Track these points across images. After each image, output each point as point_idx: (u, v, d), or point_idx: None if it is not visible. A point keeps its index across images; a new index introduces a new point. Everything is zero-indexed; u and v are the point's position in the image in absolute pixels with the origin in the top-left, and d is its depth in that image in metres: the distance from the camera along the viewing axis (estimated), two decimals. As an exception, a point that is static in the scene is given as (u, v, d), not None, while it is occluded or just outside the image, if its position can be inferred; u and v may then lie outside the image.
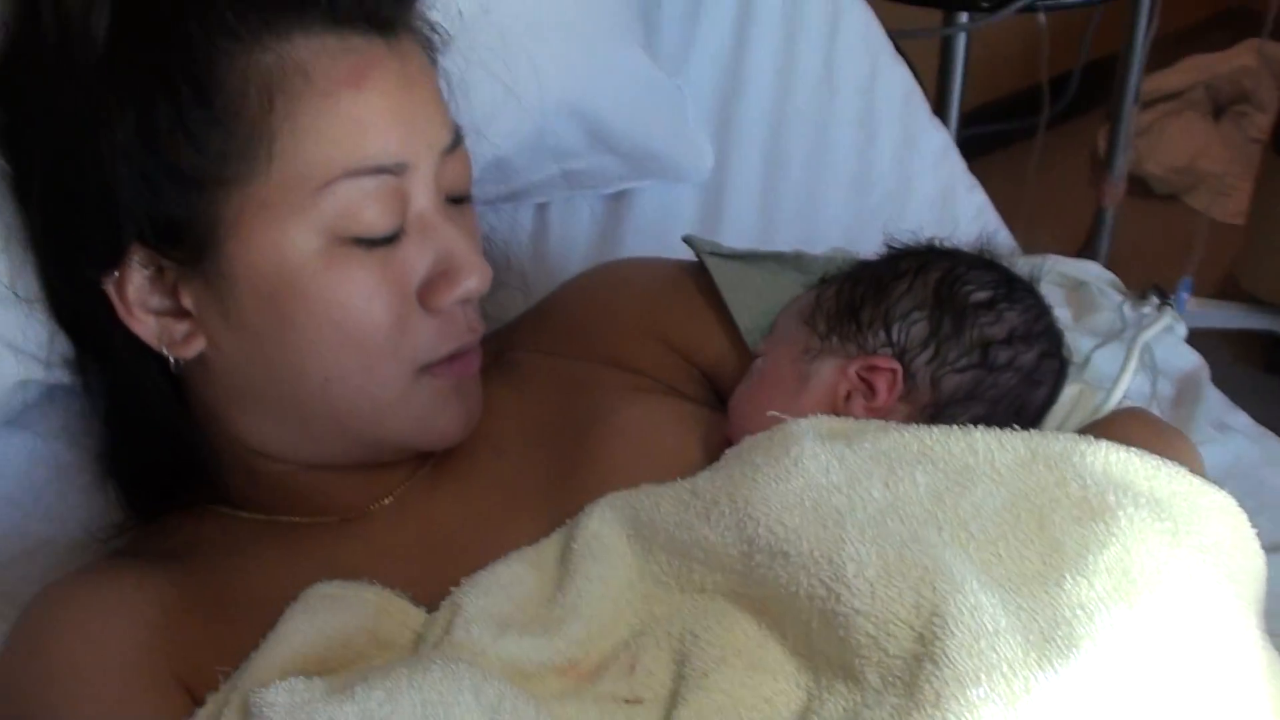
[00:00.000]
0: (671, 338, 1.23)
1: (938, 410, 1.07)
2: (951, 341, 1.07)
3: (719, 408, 1.20)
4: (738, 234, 1.54)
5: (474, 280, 1.04)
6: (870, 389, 1.07)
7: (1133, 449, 0.96)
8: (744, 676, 0.93)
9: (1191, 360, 1.62)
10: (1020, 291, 1.12)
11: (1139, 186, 3.27)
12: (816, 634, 0.91)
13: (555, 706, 0.91)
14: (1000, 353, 1.08)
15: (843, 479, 0.95)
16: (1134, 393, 1.42)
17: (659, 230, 1.51)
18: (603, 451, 1.09)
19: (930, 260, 1.12)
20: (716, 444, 1.10)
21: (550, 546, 1.03)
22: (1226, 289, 2.94)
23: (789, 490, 0.95)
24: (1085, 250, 2.72)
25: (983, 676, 0.82)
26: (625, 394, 1.15)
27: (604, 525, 1.01)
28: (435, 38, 1.11)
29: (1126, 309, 1.55)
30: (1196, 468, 1.07)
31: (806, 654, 0.92)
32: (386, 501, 1.11)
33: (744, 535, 0.95)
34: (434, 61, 1.10)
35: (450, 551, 1.06)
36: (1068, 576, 0.87)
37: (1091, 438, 0.97)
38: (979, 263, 1.13)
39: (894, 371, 1.07)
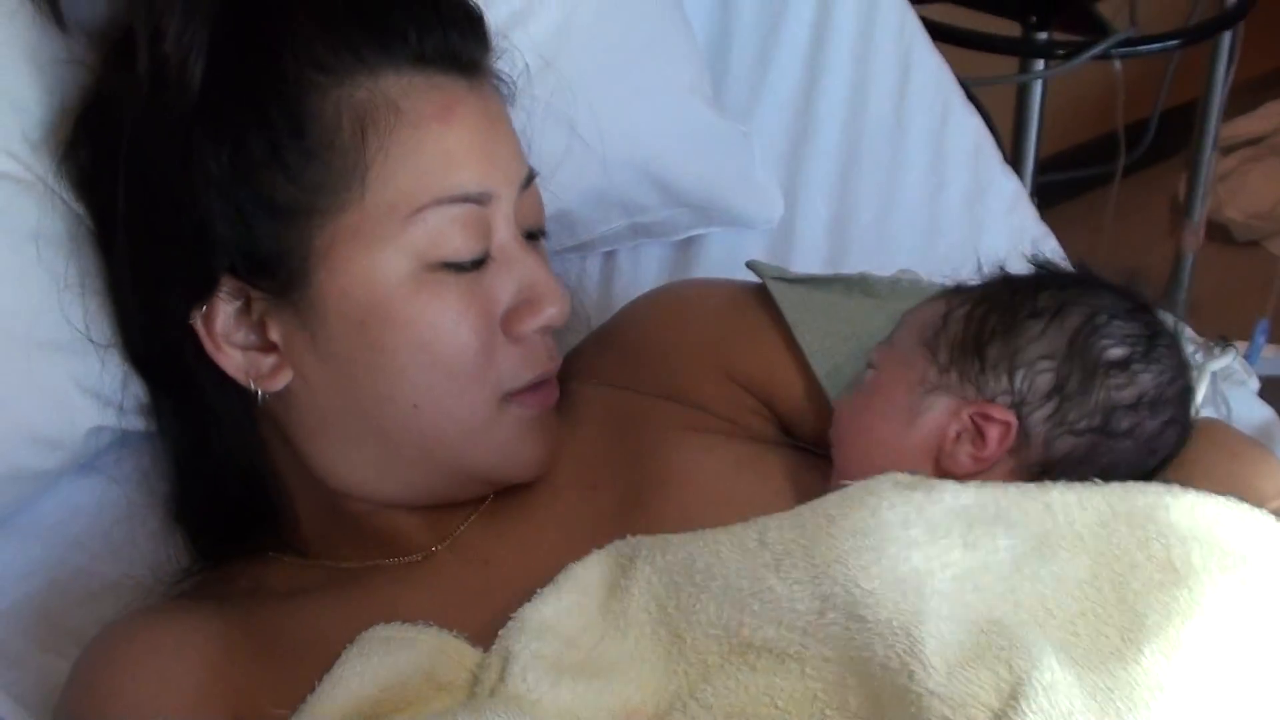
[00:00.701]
0: (735, 368, 1.21)
1: (1045, 470, 1.02)
2: (1075, 401, 1.03)
3: (783, 442, 1.19)
4: (806, 260, 1.55)
5: (555, 308, 1.07)
6: (980, 436, 1.03)
7: (1219, 498, 0.94)
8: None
9: (1265, 414, 1.60)
10: (1160, 349, 1.06)
11: (1219, 233, 3.24)
12: (886, 704, 0.89)
13: None
14: (1124, 419, 1.03)
15: (922, 533, 0.92)
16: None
17: (727, 274, 1.50)
18: (661, 494, 1.09)
19: (1072, 301, 1.05)
20: (775, 486, 1.10)
21: (598, 572, 1.01)
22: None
23: (866, 546, 0.92)
24: (1164, 298, 2.69)
25: None
26: (686, 433, 1.14)
27: (654, 571, 0.99)
28: (504, 87, 1.14)
29: (1198, 357, 1.53)
30: (1275, 481, 1.05)
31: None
32: (446, 543, 1.12)
33: (819, 592, 0.92)
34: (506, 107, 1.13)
35: (506, 593, 1.05)
36: (1145, 652, 0.86)
37: (1176, 486, 0.95)
38: (1123, 309, 1.06)
39: (1008, 425, 1.02)
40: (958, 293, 1.10)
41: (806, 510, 0.97)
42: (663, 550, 0.99)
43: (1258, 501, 0.97)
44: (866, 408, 1.09)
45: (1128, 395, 1.03)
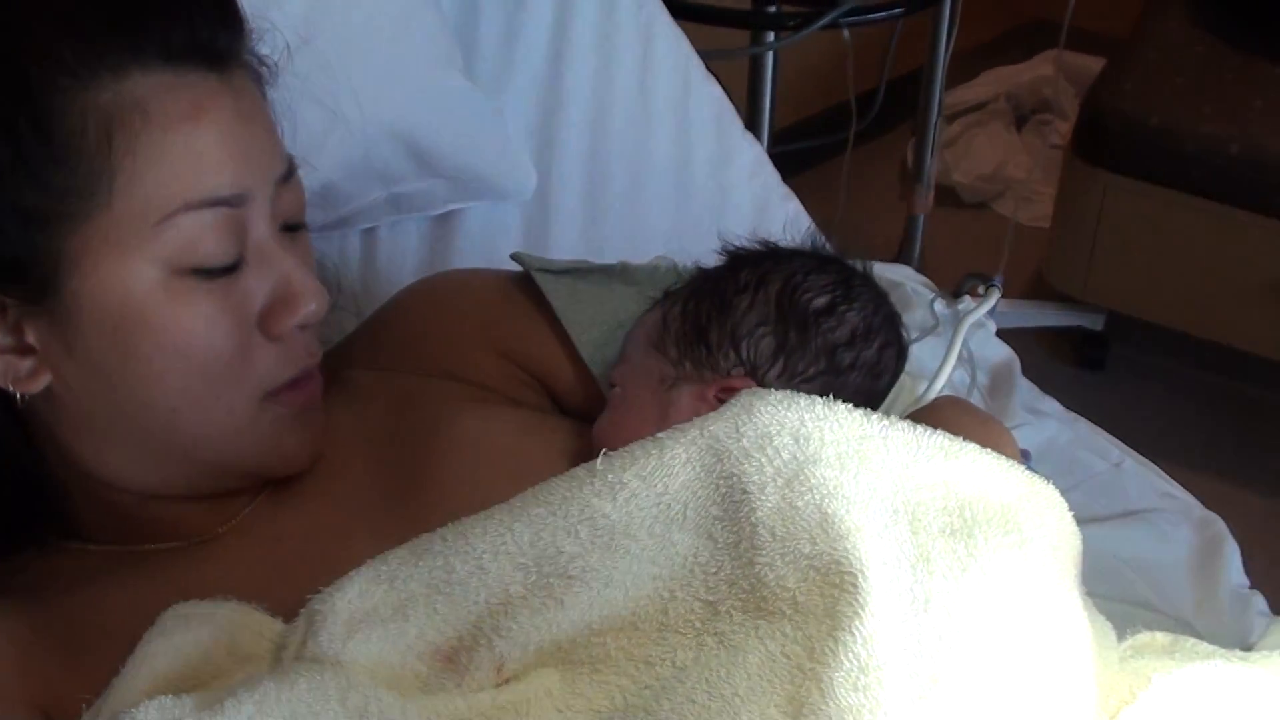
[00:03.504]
0: (508, 349, 1.25)
1: None
2: (799, 352, 1.11)
3: (554, 413, 1.23)
4: (563, 249, 1.57)
5: (313, 305, 1.05)
6: None
7: (990, 455, 1.00)
8: (610, 646, 0.95)
9: (1002, 353, 1.70)
10: (857, 288, 1.15)
11: (948, 196, 3.37)
12: (724, 610, 0.93)
13: (422, 699, 0.91)
14: (845, 355, 1.12)
15: (752, 441, 0.96)
16: (954, 383, 1.49)
17: (486, 249, 1.54)
18: (441, 462, 1.11)
19: (769, 269, 1.15)
20: (560, 448, 1.13)
21: (405, 554, 1.02)
22: (1035, 290, 3.05)
23: (705, 467, 0.96)
24: (898, 259, 2.80)
25: (866, 714, 0.85)
26: (463, 404, 1.16)
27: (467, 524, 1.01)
28: (264, 70, 1.12)
29: (938, 305, 1.62)
30: (1012, 452, 1.13)
31: (699, 621, 0.94)
32: (233, 524, 1.12)
33: (665, 516, 0.96)
34: (264, 94, 1.11)
35: (297, 568, 1.06)
36: (935, 603, 0.91)
37: (964, 441, 1.00)
38: (815, 264, 1.16)
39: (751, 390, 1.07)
40: (668, 297, 1.18)
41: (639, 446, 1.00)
42: (479, 520, 1.00)
43: None
44: (621, 423, 1.14)
45: (842, 334, 1.12)
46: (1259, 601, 1.47)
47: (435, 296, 1.32)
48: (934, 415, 1.16)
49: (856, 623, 0.87)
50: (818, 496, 0.94)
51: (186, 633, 0.98)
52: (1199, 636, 1.14)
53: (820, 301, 1.13)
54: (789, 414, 0.97)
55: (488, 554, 0.97)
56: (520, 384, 1.25)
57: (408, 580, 0.97)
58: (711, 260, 1.21)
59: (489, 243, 1.56)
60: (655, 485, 0.97)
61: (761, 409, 0.97)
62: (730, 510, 0.95)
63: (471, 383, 1.22)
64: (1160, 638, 1.11)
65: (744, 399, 0.99)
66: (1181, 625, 1.27)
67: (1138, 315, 2.84)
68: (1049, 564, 0.97)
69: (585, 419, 1.20)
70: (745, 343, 1.11)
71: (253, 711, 0.86)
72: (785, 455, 0.95)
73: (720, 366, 1.11)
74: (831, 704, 0.85)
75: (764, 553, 0.92)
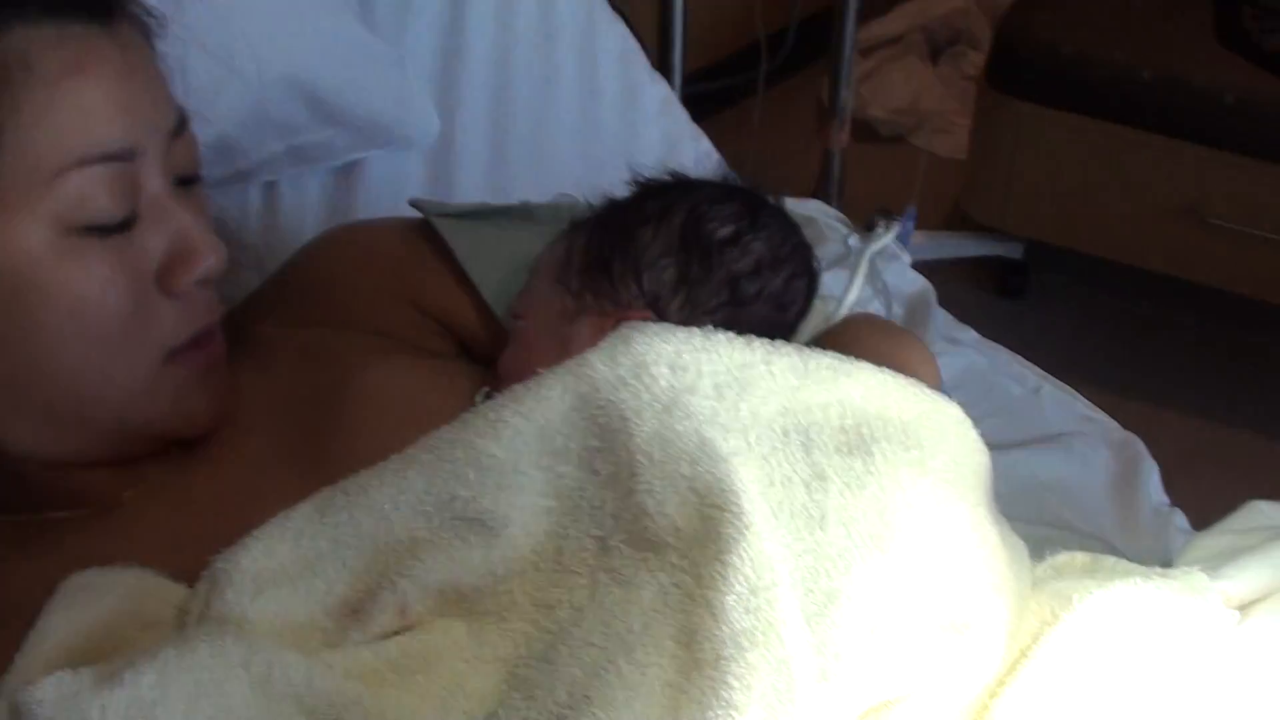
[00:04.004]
0: (413, 298, 1.24)
1: None
2: (701, 284, 1.09)
3: (469, 363, 1.21)
4: (469, 194, 1.55)
5: (211, 259, 1.03)
6: None
7: (887, 373, 0.99)
8: (516, 592, 0.94)
9: (917, 284, 1.70)
10: (765, 217, 1.13)
11: (865, 131, 3.36)
12: (613, 544, 0.92)
13: (328, 655, 0.90)
14: (748, 286, 1.10)
15: (628, 369, 0.94)
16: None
17: (390, 198, 1.51)
18: (351, 415, 1.09)
19: (674, 200, 1.12)
20: (468, 394, 1.11)
21: (309, 511, 1.00)
22: (955, 221, 3.06)
23: (581, 396, 0.94)
24: (816, 195, 2.79)
25: (759, 634, 0.84)
26: (370, 356, 1.14)
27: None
28: (151, 22, 1.09)
29: (853, 240, 1.62)
30: (927, 366, 1.12)
31: (592, 565, 0.93)
32: (139, 489, 1.09)
33: (548, 449, 0.95)
34: (152, 46, 1.08)
35: (206, 531, 1.03)
36: (831, 519, 0.90)
37: (855, 360, 0.99)
38: (722, 194, 1.14)
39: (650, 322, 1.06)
40: (574, 228, 1.16)
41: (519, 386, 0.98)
42: (376, 473, 0.98)
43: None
44: (523, 357, 1.12)
45: (746, 264, 1.10)
46: (1179, 519, 1.48)
47: (338, 249, 1.29)
48: (844, 333, 1.15)
49: (742, 544, 0.86)
50: (695, 423, 0.92)
51: (89, 602, 0.96)
52: (1122, 557, 1.14)
53: (724, 232, 1.11)
54: (665, 345, 0.95)
55: (389, 504, 0.95)
56: (428, 332, 1.24)
57: (314, 537, 0.96)
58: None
59: (393, 192, 1.53)
60: (536, 420, 0.95)
61: (638, 340, 0.95)
62: (609, 440, 0.93)
63: (379, 333, 1.20)
64: (1080, 558, 1.12)
65: (622, 331, 0.97)
66: (1104, 546, 1.28)
67: (1056, 243, 2.85)
68: (951, 480, 0.97)
69: (495, 364, 1.18)
70: (647, 275, 1.09)
71: (153, 681, 0.84)
72: (662, 384, 0.93)
73: (621, 299, 1.09)
74: (725, 629, 0.84)
75: (642, 479, 0.90)
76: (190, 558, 0.99)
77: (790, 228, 1.16)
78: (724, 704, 0.82)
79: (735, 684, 0.82)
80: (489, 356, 1.20)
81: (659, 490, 0.90)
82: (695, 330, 0.97)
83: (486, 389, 1.00)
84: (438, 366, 1.17)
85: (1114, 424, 1.61)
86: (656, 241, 1.10)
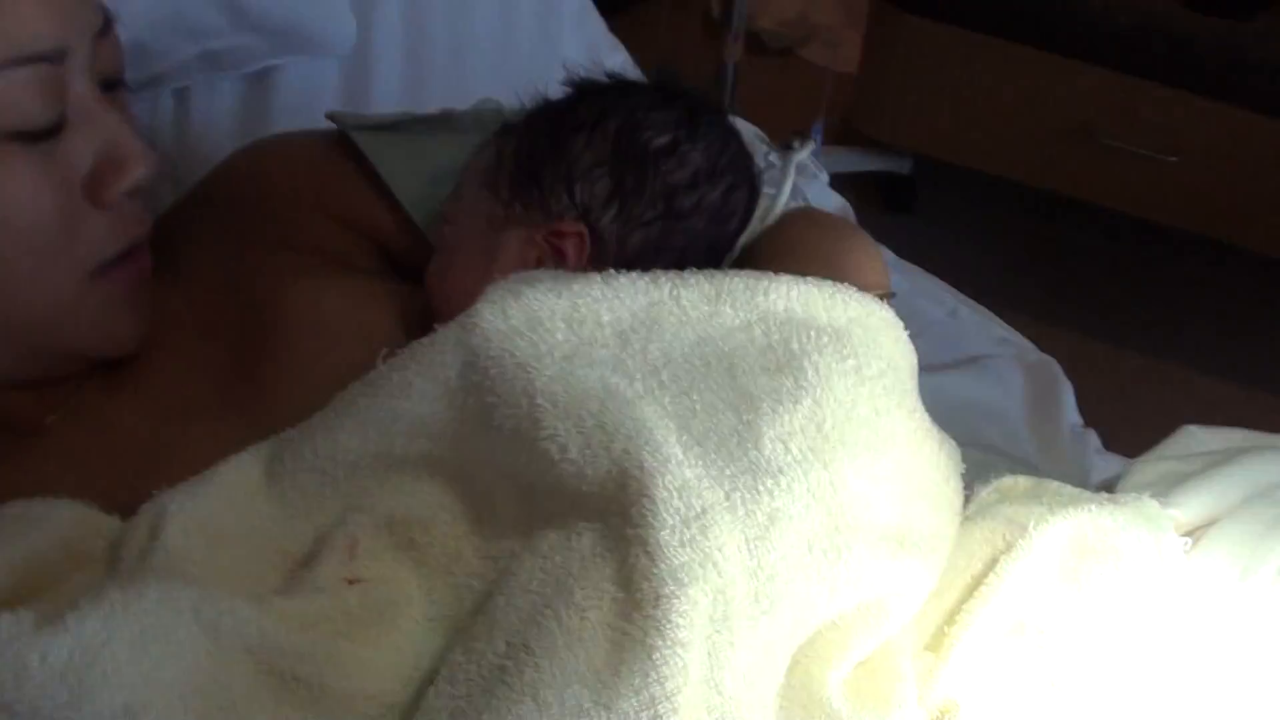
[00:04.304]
0: (337, 213, 1.20)
1: (629, 267, 1.02)
2: (635, 196, 1.06)
3: (397, 279, 1.18)
4: (385, 105, 1.51)
5: (142, 168, 1.00)
6: (559, 254, 1.05)
7: (811, 281, 0.96)
8: (463, 544, 0.92)
9: (838, 201, 1.69)
10: (704, 125, 1.09)
11: (754, 43, 3.35)
12: (539, 496, 0.90)
13: (279, 603, 0.87)
14: (685, 199, 1.07)
15: (522, 321, 0.92)
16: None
17: (305, 107, 1.46)
18: (278, 338, 1.06)
19: (609, 105, 1.09)
20: (400, 315, 1.09)
21: (259, 454, 0.98)
22: (843, 136, 3.05)
23: (473, 350, 0.92)
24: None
25: (696, 567, 0.81)
26: (297, 276, 1.11)
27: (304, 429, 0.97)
28: None
29: (773, 156, 1.60)
30: (874, 260, 1.11)
31: (525, 515, 0.91)
32: (61, 412, 1.05)
33: (454, 406, 0.92)
34: None
35: (131, 455, 1.02)
36: (765, 438, 0.88)
37: (771, 274, 0.96)
38: (660, 100, 1.10)
39: (580, 235, 1.05)
40: (505, 132, 1.12)
41: (417, 343, 0.96)
42: (308, 434, 0.96)
43: (862, 281, 1.01)
44: (450, 264, 1.09)
45: (683, 175, 1.07)
46: (1094, 439, 1.50)
47: (260, 163, 1.25)
48: (783, 234, 1.13)
49: (665, 477, 0.84)
50: (599, 370, 0.90)
51: (18, 536, 0.92)
52: (1044, 478, 1.15)
53: (661, 141, 1.07)
54: (559, 301, 0.92)
55: (327, 462, 0.94)
56: (354, 247, 1.20)
57: (253, 495, 0.94)
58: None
59: (308, 101, 1.49)
60: (438, 378, 0.93)
61: (529, 295, 0.92)
62: (505, 391, 0.90)
63: (304, 250, 1.16)
64: (1022, 482, 1.12)
65: (510, 284, 0.94)
66: (1027, 468, 1.28)
67: (946, 159, 2.87)
68: (889, 387, 0.96)
69: (412, 267, 1.15)
70: (579, 185, 1.06)
71: (98, 627, 0.80)
72: (559, 337, 0.91)
73: (552, 210, 1.06)
74: (662, 565, 0.81)
75: (545, 425, 0.87)
76: (117, 484, 0.97)
77: (730, 135, 1.12)
78: (669, 643, 0.79)
79: (680, 621, 0.80)
80: (416, 270, 1.17)
81: (563, 435, 0.87)
82: (593, 277, 0.94)
83: (386, 349, 0.96)
84: (371, 286, 1.14)
85: (1030, 346, 1.62)
86: (589, 150, 1.07)
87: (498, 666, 0.81)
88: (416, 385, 0.93)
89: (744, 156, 1.13)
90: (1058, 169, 2.71)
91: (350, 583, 0.91)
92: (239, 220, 1.19)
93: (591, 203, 1.06)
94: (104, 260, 1.00)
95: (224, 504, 0.94)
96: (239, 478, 0.95)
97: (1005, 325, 1.65)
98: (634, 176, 1.06)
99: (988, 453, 1.34)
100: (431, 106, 1.32)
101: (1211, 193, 2.58)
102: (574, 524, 0.87)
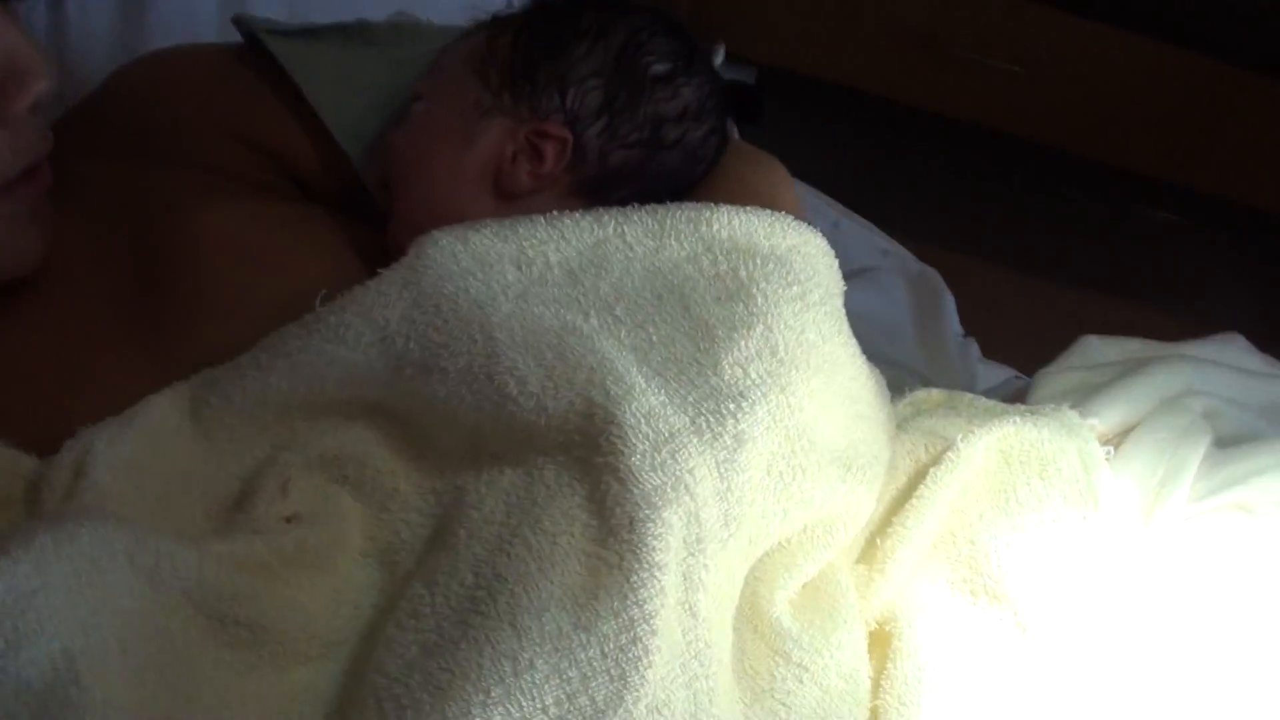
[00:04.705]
0: (240, 129, 1.15)
1: (600, 184, 1.04)
2: (625, 115, 1.05)
3: (305, 201, 1.14)
4: (267, 12, 1.42)
5: (43, 81, 0.95)
6: (538, 155, 1.03)
7: (751, 210, 0.97)
8: (400, 480, 0.91)
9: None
10: (699, 64, 1.09)
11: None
12: (487, 434, 0.89)
13: (216, 545, 0.85)
14: (671, 131, 1.06)
15: (472, 263, 0.91)
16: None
17: (183, 20, 1.42)
18: (189, 266, 1.02)
19: (615, 19, 1.07)
20: (318, 242, 1.06)
21: (181, 392, 0.95)
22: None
23: (423, 292, 0.91)
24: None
25: (669, 490, 0.82)
26: (206, 197, 1.06)
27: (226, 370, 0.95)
28: None
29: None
30: (788, 188, 1.13)
31: (470, 452, 0.90)
32: None
33: (392, 352, 0.91)
34: None
35: (36, 382, 0.98)
36: (724, 363, 0.89)
37: (712, 204, 0.97)
38: (663, 28, 1.08)
39: (564, 141, 1.03)
40: (496, 23, 1.09)
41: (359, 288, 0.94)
42: (237, 375, 0.94)
43: (788, 212, 1.01)
44: (421, 140, 1.07)
45: (673, 108, 1.06)
46: (975, 348, 1.53)
47: (158, 75, 1.19)
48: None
49: (631, 404, 0.84)
50: (554, 307, 0.90)
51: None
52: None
53: (660, 68, 1.06)
54: (506, 245, 0.92)
55: (257, 405, 0.92)
56: (263, 170, 1.15)
57: (180, 434, 0.92)
58: (453, 19, 1.13)
59: (186, 12, 1.42)
60: (376, 321, 0.91)
61: (476, 239, 0.92)
62: (458, 330, 0.89)
63: (208, 170, 1.11)
64: (936, 394, 1.15)
65: (458, 229, 0.94)
66: (917, 378, 1.30)
67: (793, 68, 2.87)
68: (831, 312, 0.98)
69: (339, 206, 1.12)
70: (573, 90, 1.04)
71: (29, 570, 0.76)
72: (510, 278, 0.91)
73: (541, 108, 1.04)
74: (635, 490, 0.82)
75: (503, 359, 0.87)
76: (24, 412, 0.95)
77: (717, 80, 1.12)
78: (647, 566, 0.80)
79: (656, 545, 0.80)
80: (334, 197, 1.13)
81: (522, 368, 0.87)
82: (537, 219, 0.94)
83: (325, 291, 0.94)
84: (285, 211, 1.10)
85: (911, 256, 1.64)
86: (589, 59, 1.05)
87: (468, 597, 0.81)
88: (354, 328, 0.91)
89: (725, 105, 1.13)
90: (905, 79, 2.73)
91: (286, 520, 0.89)
92: (136, 136, 1.13)
93: (582, 111, 1.04)
94: (7, 178, 0.95)
95: (147, 443, 0.91)
96: (163, 416, 0.93)
97: (886, 237, 1.67)
98: (628, 95, 1.05)
99: (884, 365, 1.36)
100: (317, 17, 1.27)
101: (1058, 103, 2.63)
102: (533, 459, 0.86)
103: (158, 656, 0.80)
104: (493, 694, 0.75)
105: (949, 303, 1.57)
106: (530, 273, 0.92)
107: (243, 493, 0.91)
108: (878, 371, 1.06)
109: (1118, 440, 1.06)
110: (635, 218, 0.95)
